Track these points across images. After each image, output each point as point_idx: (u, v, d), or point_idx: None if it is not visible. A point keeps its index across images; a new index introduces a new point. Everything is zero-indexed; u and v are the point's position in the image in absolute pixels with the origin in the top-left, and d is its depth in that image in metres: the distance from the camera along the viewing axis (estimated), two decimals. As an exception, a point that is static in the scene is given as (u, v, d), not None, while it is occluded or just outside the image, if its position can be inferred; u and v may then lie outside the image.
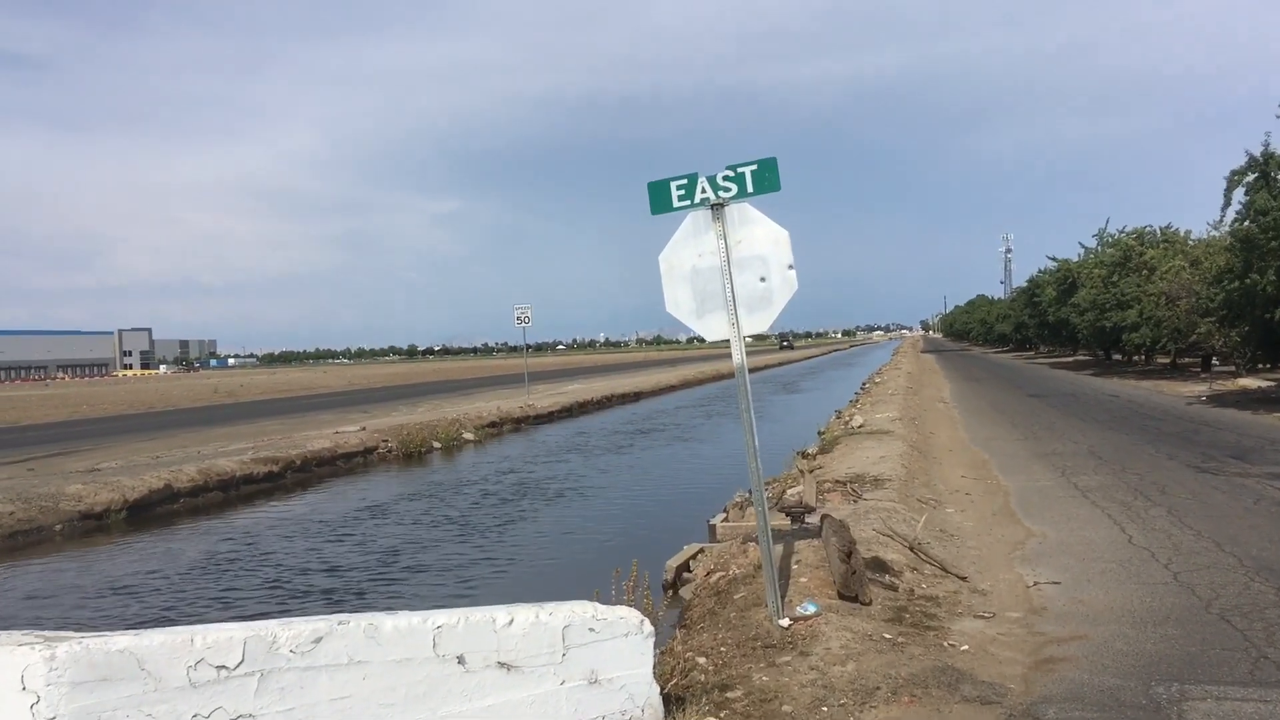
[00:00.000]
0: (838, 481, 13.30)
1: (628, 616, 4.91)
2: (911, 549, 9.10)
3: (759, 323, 7.09)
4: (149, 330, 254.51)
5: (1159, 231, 44.22)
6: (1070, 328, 51.78)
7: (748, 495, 13.29)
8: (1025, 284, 77.42)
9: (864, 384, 42.73)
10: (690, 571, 9.79)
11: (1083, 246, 51.05)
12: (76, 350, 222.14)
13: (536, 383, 57.25)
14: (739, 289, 7.10)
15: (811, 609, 6.90)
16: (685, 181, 7.25)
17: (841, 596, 7.29)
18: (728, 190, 7.15)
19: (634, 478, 19.11)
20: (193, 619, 9.87)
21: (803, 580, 7.68)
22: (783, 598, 7.09)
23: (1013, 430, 21.60)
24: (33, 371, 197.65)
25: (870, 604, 7.28)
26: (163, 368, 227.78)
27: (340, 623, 4.06)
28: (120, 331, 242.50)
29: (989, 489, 14.03)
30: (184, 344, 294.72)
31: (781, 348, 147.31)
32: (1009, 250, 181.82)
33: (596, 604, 4.93)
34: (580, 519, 14.94)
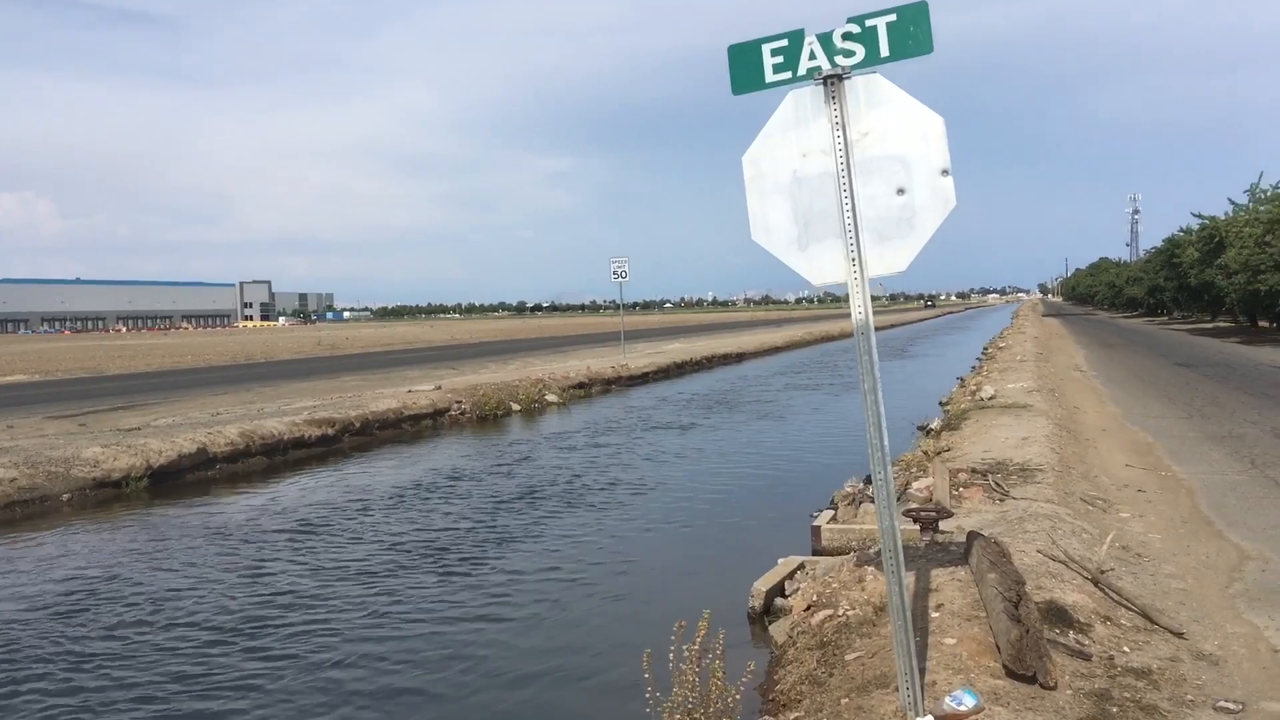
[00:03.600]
0: (974, 471, 10.70)
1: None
2: (1096, 583, 6.55)
3: (895, 258, 4.63)
4: (269, 283, 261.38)
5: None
6: (1215, 291, 47.21)
7: (860, 485, 10.79)
8: (1162, 244, 72.04)
9: (986, 349, 39.37)
10: (786, 597, 7.38)
11: (1232, 203, 46.26)
12: (201, 301, 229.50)
13: (638, 341, 55.25)
14: (865, 206, 4.65)
15: (969, 701, 4.47)
16: (785, 43, 4.80)
17: (1010, 674, 4.83)
18: (849, 54, 4.68)
19: (723, 460, 16.58)
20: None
21: (948, 643, 5.23)
22: (922, 676, 4.69)
23: (1171, 406, 18.50)
24: (159, 321, 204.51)
25: (1055, 687, 4.81)
26: (281, 319, 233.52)
27: None
28: (242, 284, 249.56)
29: (1165, 484, 11.27)
30: (303, 297, 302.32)
31: (925, 306, 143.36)
32: (1136, 211, 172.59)
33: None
34: (656, 512, 12.38)
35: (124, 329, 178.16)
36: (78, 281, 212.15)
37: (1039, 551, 7.08)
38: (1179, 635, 5.88)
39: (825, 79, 4.68)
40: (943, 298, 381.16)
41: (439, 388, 23.26)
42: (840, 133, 4.67)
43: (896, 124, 4.62)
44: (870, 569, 6.66)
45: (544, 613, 8.31)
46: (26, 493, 12.35)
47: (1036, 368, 25.62)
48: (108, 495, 13.29)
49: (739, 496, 13.05)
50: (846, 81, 4.68)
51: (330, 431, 17.44)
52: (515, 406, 22.91)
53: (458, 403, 21.70)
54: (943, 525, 8.28)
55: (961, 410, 17.20)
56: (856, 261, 4.64)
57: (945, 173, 4.56)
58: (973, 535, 6.49)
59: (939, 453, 12.93)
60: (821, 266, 4.74)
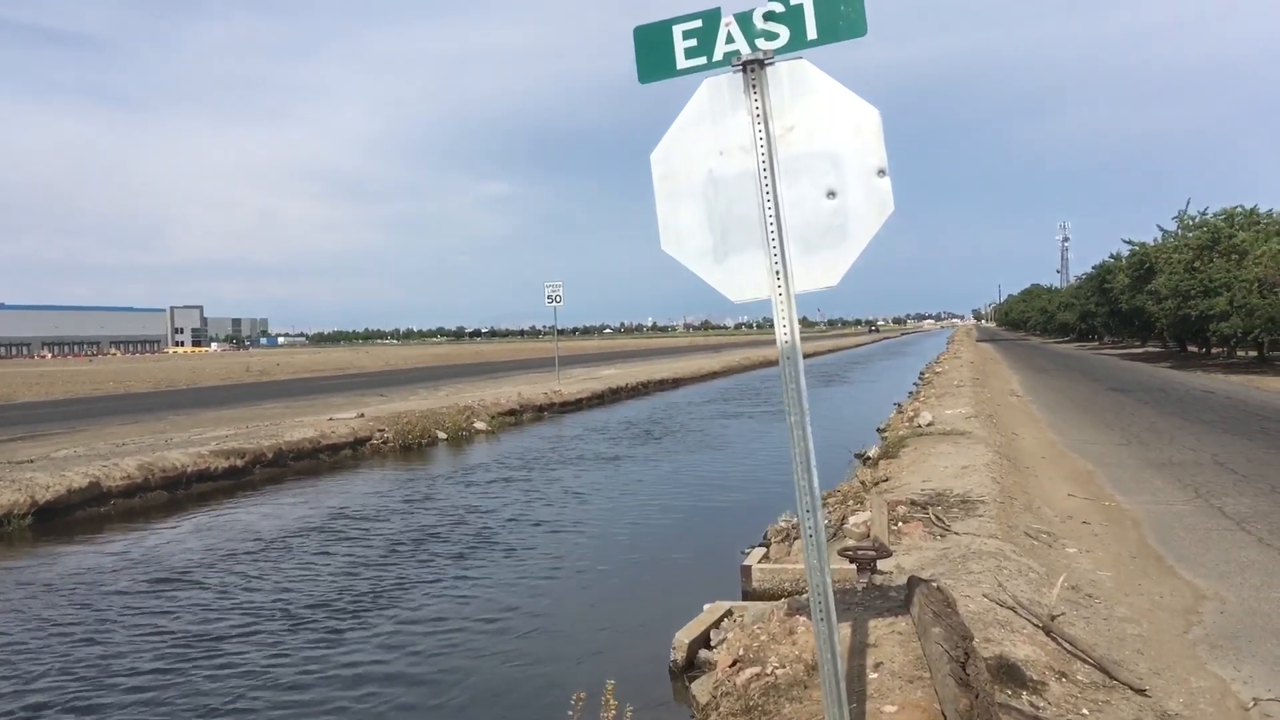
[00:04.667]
0: (914, 504, 10.14)
1: None
2: (1048, 632, 5.97)
3: (825, 270, 4.00)
4: (200, 308, 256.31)
5: (1249, 213, 40.18)
6: (1146, 316, 47.73)
7: (794, 520, 10.16)
8: (1093, 270, 73.20)
9: (923, 374, 39.26)
10: (711, 648, 6.69)
11: (1161, 230, 46.86)
12: (130, 327, 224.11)
13: (575, 367, 54.51)
14: (790, 211, 4.03)
15: (913, 788, 3.82)
16: (699, 24, 4.17)
17: (959, 749, 4.20)
18: (772, 37, 4.06)
19: (652, 493, 15.81)
20: None
21: (888, 710, 4.59)
22: (859, 756, 4.04)
23: (1109, 432, 18.25)
24: (86, 347, 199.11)
25: (1010, 764, 4.19)
26: (214, 345, 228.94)
27: None
28: (173, 309, 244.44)
29: (1110, 515, 10.83)
30: (236, 322, 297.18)
31: (869, 331, 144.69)
32: (1066, 239, 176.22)
33: None
34: (575, 553, 11.42)
35: (49, 355, 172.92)
36: (1, 307, 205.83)
37: (985, 596, 6.49)
38: (1141, 692, 5.30)
39: (745, 65, 4.06)
40: (880, 322, 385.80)
41: (362, 416, 22.30)
42: (762, 126, 4.05)
43: (826, 116, 4.00)
44: (802, 619, 6.01)
45: (430, 676, 7.40)
46: (-113, 534, 11.29)
47: (974, 393, 25.37)
48: (-17, 535, 12.24)
49: (667, 533, 12.29)
50: (769, 68, 4.05)
51: (239, 463, 16.42)
52: (441, 435, 22.02)
53: (380, 431, 20.76)
54: (881, 565, 7.69)
55: (900, 438, 16.72)
56: (781, 275, 4.00)
57: (882, 173, 3.96)
58: (914, 581, 5.88)
59: (877, 483, 12.40)
60: (741, 281, 4.09)
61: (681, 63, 4.18)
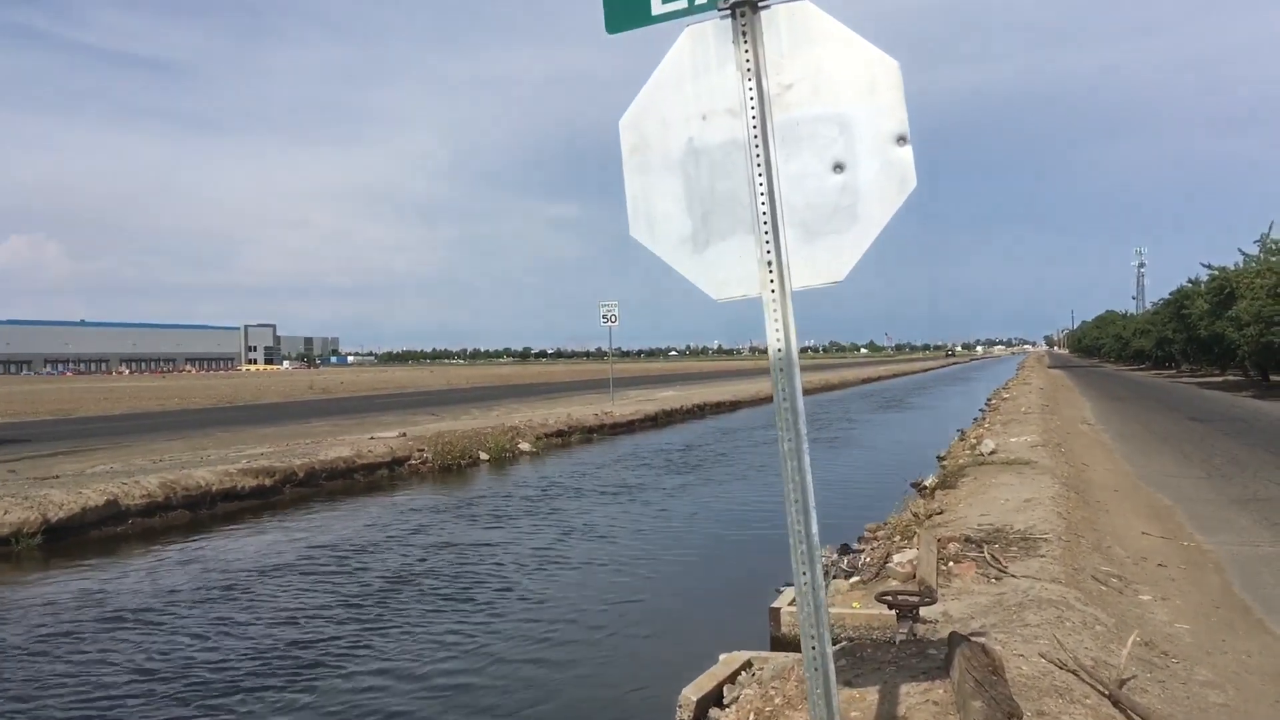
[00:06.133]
0: (968, 540, 9.19)
1: None
2: (1117, 704, 5.05)
3: (831, 261, 3.21)
4: (273, 326, 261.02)
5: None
6: (1226, 343, 45.68)
7: (834, 556, 9.29)
8: (1170, 295, 70.71)
9: (989, 400, 37.85)
10: (724, 706, 5.85)
11: (1243, 253, 44.82)
12: (205, 344, 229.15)
13: (632, 388, 53.92)
14: (788, 188, 3.25)
15: None
16: (678, -40, 3.42)
17: None
18: (767, -27, 3.30)
19: (688, 518, 14.88)
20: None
21: (914, 806, 3.74)
22: None
23: (1187, 465, 16.99)
24: (162, 364, 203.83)
25: None
26: (285, 363, 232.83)
27: None
28: (246, 327, 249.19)
29: (1190, 557, 9.76)
30: (308, 341, 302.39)
31: (946, 356, 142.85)
32: (1142, 264, 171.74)
33: None
34: (596, 586, 10.57)
35: (126, 371, 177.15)
36: (82, 324, 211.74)
37: (1042, 656, 5.58)
38: (1230, 785, 4.38)
39: (734, 8, 3.29)
40: (949, 349, 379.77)
41: (403, 435, 21.81)
42: (754, 84, 3.28)
43: (833, 71, 3.22)
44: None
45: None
46: (-110, 552, 10.90)
47: (1042, 420, 24.13)
48: (-8, 554, 11.80)
49: (699, 569, 11.38)
50: (763, 11, 3.28)
51: (268, 482, 15.92)
52: (483, 456, 21.41)
53: (419, 451, 20.20)
54: (926, 612, 6.81)
55: (959, 466, 15.69)
56: (775, 267, 3.22)
57: (902, 140, 3.16)
58: (956, 639, 5.01)
59: (930, 515, 11.44)
60: (725, 275, 3.31)
61: (658, 7, 3.42)
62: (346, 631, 8.76)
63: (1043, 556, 8.69)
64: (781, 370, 3.17)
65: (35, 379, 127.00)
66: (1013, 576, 7.95)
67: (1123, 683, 5.38)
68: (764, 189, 3.24)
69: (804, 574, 3.10)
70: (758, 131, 3.27)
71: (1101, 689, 5.20)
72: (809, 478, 3.11)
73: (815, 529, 3.12)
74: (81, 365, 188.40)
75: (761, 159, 3.26)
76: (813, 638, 3.08)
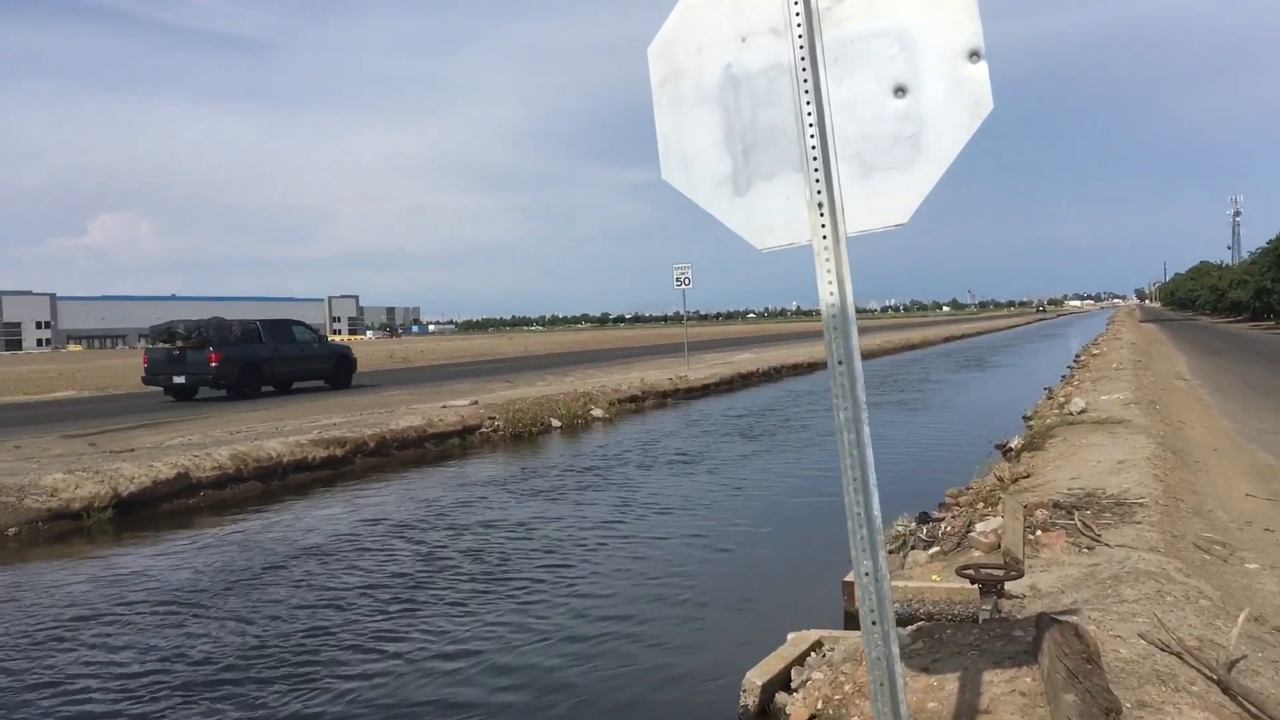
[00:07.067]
0: (1057, 506, 8.63)
1: None
2: (1226, 689, 4.55)
3: (892, 200, 2.77)
4: (356, 297, 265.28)
5: None
6: (1333, 293, 43.62)
7: (912, 525, 8.81)
8: (1269, 244, 67.78)
9: (1078, 357, 36.58)
10: (792, 690, 5.46)
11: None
12: (291, 316, 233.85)
13: (708, 351, 53.42)
14: (841, 118, 2.81)
15: None
16: None
17: None
18: None
19: (765, 484, 14.44)
20: None
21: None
22: None
23: (1294, 421, 16.04)
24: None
25: None
26: (369, 333, 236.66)
27: None
28: (330, 298, 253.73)
29: (1301, 521, 9.07)
30: (390, 311, 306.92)
31: (1037, 312, 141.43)
32: (1238, 213, 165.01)
33: None
34: (662, 555, 10.27)
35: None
36: (174, 298, 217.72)
37: (1141, 636, 5.08)
38: (1363, 787, 3.87)
39: (774, -89, 2.84)
40: (1039, 305, 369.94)
41: (475, 403, 21.68)
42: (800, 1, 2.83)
43: (892, -21, 2.76)
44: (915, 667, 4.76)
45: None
46: (-35, 525, 11.00)
47: (1134, 376, 23.11)
48: (65, 528, 11.80)
49: (772, 539, 10.92)
50: (809, -86, 2.83)
51: (339, 452, 15.87)
52: (555, 423, 21.20)
53: (490, 419, 20.04)
54: (1012, 586, 6.33)
55: (1047, 427, 14.99)
56: (826, 209, 2.79)
57: (975, 55, 2.70)
58: (1045, 621, 4.55)
59: (1016, 480, 10.87)
60: (769, 220, 2.89)
61: (687, -86, 2.99)
62: (407, 606, 8.57)
63: (1139, 523, 8.12)
64: (836, 329, 2.75)
65: (129, 353, 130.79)
66: (1106, 546, 7.42)
67: (1232, 665, 4.87)
68: (813, 119, 2.81)
69: (865, 562, 2.69)
70: (805, 52, 2.83)
71: (1209, 673, 4.69)
72: (869, 452, 2.70)
73: (877, 510, 2.71)
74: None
75: (810, 84, 2.82)
76: (877, 635, 2.68)
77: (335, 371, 31.77)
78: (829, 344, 2.78)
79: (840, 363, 2.74)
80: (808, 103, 2.82)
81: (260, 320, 30.18)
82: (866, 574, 2.70)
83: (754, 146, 2.91)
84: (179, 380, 27.68)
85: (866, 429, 2.72)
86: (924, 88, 2.74)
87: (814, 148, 2.81)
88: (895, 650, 2.68)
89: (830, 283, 2.77)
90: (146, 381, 28.80)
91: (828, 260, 2.78)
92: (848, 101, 2.80)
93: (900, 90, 2.76)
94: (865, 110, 2.79)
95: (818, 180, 2.81)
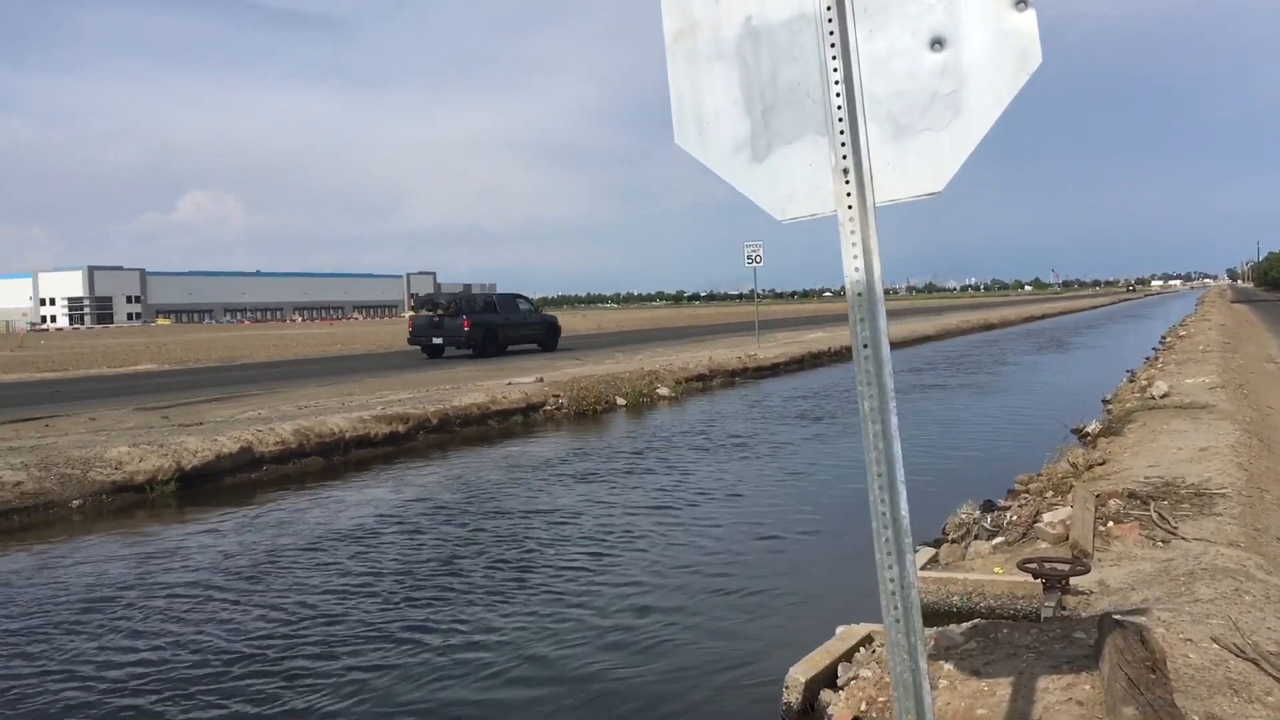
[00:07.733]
0: (1133, 496, 8.20)
1: None
2: (1308, 705, 4.18)
3: (927, 165, 2.49)
4: (434, 274, 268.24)
5: None
6: None
7: (975, 513, 8.46)
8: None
9: (1163, 338, 35.35)
10: (838, 688, 5.20)
11: None
12: (370, 292, 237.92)
13: (780, 330, 52.91)
14: (871, 75, 2.54)
15: None
16: None
17: None
18: None
19: (827, 467, 14.14)
20: None
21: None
22: None
23: (1394, 408, 15.19)
24: (331, 311, 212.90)
25: None
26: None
27: None
28: (408, 275, 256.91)
29: (1399, 517, 8.50)
30: (467, 287, 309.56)
31: (1129, 290, 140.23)
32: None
33: None
34: (715, 536, 10.08)
35: (299, 319, 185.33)
36: (257, 274, 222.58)
37: (1214, 640, 4.73)
38: None
39: None
40: (1128, 284, 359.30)
41: (540, 380, 21.62)
42: (827, -58, 2.55)
43: (929, -83, 2.47)
44: (949, 664, 4.48)
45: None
46: (30, 498, 11.14)
47: (1222, 359, 22.18)
48: (128, 501, 11.97)
49: (834, 523, 10.61)
50: None
51: (401, 429, 15.88)
52: (620, 401, 21.03)
53: (554, 397, 19.95)
54: (1079, 581, 5.99)
55: (1126, 411, 14.41)
56: (853, 175, 2.53)
57: (1022, 3, 2.40)
58: (1107, 624, 4.23)
59: (1090, 466, 10.41)
60: (790, 187, 2.63)
61: None
62: (458, 589, 8.48)
63: (1219, 515, 7.67)
64: (861, 309, 2.49)
65: (214, 327, 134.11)
66: (1183, 539, 7.01)
67: (1317, 676, 4.49)
68: (839, 75, 2.54)
69: (889, 568, 2.44)
70: (832, 1, 2.55)
71: (1289, 685, 4.33)
72: (896, 445, 2.44)
73: (905, 509, 2.45)
74: (257, 314, 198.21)
75: (837, 36, 2.55)
76: (903, 650, 2.42)
77: (546, 336, 38.08)
78: (853, 326, 2.51)
79: (866, 346, 2.48)
80: (834, 57, 2.55)
81: (496, 294, 38.50)
82: (892, 581, 2.45)
83: (774, 107, 2.64)
84: (436, 341, 33.83)
85: (894, 420, 2.45)
86: (964, 39, 2.45)
87: (840, 107, 2.54)
88: (923, 665, 2.42)
89: (856, 257, 2.50)
90: (411, 342, 35.18)
91: (853, 233, 2.51)
92: (879, 56, 2.53)
93: (938, 43, 2.48)
94: (898, 65, 2.51)
95: (844, 144, 2.54)
